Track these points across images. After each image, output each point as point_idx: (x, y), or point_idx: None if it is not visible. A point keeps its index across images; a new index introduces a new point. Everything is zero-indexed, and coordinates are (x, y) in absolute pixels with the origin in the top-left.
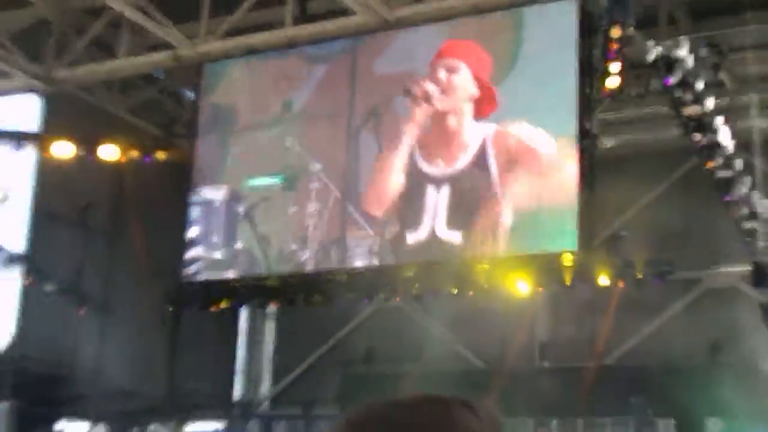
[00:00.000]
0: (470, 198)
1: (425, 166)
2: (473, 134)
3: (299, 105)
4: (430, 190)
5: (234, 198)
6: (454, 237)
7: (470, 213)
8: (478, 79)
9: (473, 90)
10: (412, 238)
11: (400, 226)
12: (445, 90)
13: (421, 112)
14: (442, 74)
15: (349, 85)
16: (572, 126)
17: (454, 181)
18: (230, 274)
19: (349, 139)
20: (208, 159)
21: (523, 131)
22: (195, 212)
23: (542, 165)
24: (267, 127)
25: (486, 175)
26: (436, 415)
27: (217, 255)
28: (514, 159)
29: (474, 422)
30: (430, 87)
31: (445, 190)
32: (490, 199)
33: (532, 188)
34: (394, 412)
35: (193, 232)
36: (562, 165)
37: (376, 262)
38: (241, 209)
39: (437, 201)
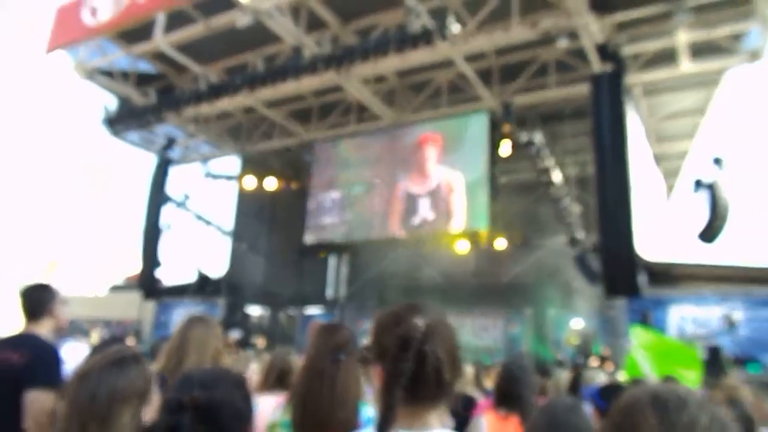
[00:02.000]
0: (437, 201)
1: (414, 189)
2: (436, 172)
3: (373, 155)
4: (420, 200)
5: (343, 197)
6: (432, 216)
7: (438, 207)
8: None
9: (438, 153)
10: (415, 219)
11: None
12: (425, 157)
13: (417, 164)
14: (425, 148)
15: (391, 148)
16: (483, 172)
17: (430, 194)
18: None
19: (392, 171)
20: (327, 182)
21: (453, 176)
22: (310, 209)
23: (459, 192)
24: (359, 167)
25: (441, 194)
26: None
27: (321, 230)
28: (450, 187)
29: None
30: (418, 155)
31: (427, 198)
32: (445, 204)
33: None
34: (400, 308)
35: (308, 220)
36: (474, 192)
37: (402, 231)
38: (345, 202)
39: (424, 203)
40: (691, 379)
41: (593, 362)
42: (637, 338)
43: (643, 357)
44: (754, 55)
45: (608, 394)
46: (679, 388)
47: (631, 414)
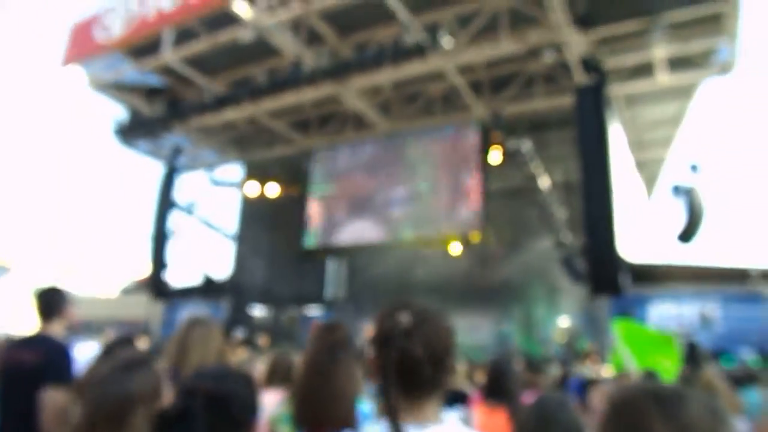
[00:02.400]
0: None
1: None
2: None
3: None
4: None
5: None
6: None
7: None
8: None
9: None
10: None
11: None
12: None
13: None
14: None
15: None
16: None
17: None
18: (327, 243)
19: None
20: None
21: None
22: (309, 216)
23: None
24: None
25: None
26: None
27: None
28: None
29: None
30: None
31: None
32: None
33: None
34: (392, 305)
35: (308, 225)
36: None
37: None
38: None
39: None
40: (667, 368)
41: (579, 358)
42: (618, 332)
43: (624, 350)
44: (724, 69)
45: (591, 388)
46: (673, 385)
47: (634, 414)
